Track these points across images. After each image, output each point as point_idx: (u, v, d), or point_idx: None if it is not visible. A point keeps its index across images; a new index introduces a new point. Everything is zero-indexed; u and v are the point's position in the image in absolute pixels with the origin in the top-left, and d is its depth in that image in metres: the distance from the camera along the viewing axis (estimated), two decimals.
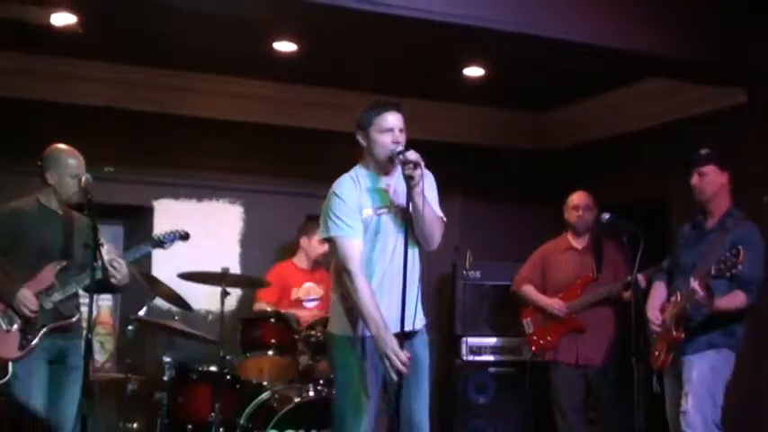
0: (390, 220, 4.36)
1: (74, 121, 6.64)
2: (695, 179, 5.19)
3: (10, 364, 4.67)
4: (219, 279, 5.96)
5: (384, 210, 4.37)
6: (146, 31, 6.16)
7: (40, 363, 4.78)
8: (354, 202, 4.33)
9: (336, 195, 4.35)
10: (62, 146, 4.96)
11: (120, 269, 4.81)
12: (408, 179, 4.18)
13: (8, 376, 4.66)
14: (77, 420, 4.55)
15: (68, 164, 4.89)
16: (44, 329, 4.76)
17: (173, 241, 5.16)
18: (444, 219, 4.47)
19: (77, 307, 5.02)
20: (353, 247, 4.29)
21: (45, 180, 4.90)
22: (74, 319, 4.94)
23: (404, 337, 4.23)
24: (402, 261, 4.24)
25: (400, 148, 4.26)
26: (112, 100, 6.95)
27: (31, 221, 4.86)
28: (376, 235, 4.35)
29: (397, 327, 4.20)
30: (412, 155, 4.20)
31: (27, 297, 4.72)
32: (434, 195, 4.48)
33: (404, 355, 4.14)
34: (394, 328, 4.21)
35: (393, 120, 4.35)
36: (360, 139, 4.42)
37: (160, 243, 5.16)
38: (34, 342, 4.73)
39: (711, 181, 5.17)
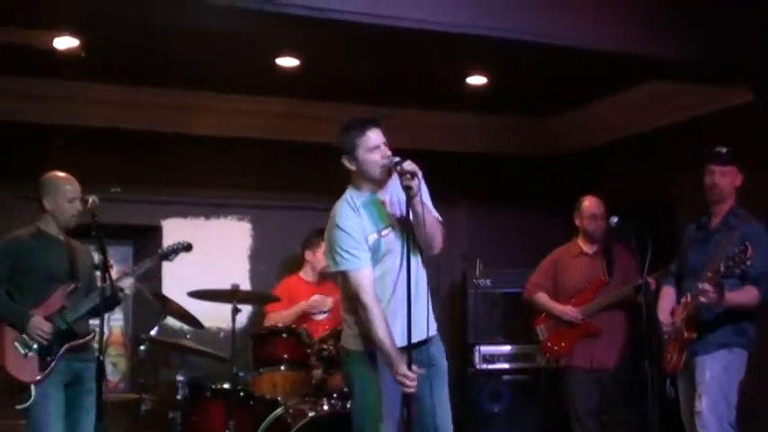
0: (396, 238, 4.34)
1: (79, 142, 6.66)
2: (717, 177, 5.15)
3: (33, 388, 4.71)
4: (230, 296, 5.96)
5: (387, 229, 4.35)
6: (147, 52, 6.19)
7: (57, 387, 4.81)
8: (358, 232, 4.29)
9: (340, 228, 4.31)
10: (58, 173, 5.03)
11: (127, 285, 4.93)
12: (407, 189, 4.15)
13: (31, 400, 4.70)
14: None
15: (64, 189, 4.95)
16: (63, 348, 4.81)
17: (177, 252, 5.22)
18: (440, 219, 4.44)
19: (89, 325, 5.06)
20: (365, 278, 4.27)
21: (42, 206, 4.96)
22: (89, 337, 4.98)
23: (417, 346, 4.24)
24: (414, 274, 4.23)
25: (396, 159, 4.22)
26: (117, 121, 6.97)
27: (33, 249, 4.91)
28: (385, 255, 4.34)
29: (412, 338, 4.19)
30: (409, 165, 4.16)
31: (40, 322, 4.76)
32: (426, 194, 4.41)
33: (411, 373, 4.15)
34: (405, 340, 4.24)
35: (376, 137, 4.30)
36: (347, 163, 4.38)
37: (164, 256, 5.21)
38: (54, 363, 4.77)
39: (731, 182, 5.16)
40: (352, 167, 4.38)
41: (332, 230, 4.34)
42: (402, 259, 4.26)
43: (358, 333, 4.38)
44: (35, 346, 4.76)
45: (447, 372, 4.52)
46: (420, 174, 4.17)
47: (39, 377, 4.73)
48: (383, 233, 4.34)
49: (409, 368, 4.14)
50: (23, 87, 6.68)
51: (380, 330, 4.22)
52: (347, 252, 4.28)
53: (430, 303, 4.43)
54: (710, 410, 4.94)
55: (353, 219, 4.33)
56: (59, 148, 6.50)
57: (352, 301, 4.35)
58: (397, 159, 4.23)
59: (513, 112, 7.86)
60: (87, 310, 4.92)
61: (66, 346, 4.82)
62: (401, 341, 4.22)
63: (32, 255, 4.89)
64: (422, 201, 4.21)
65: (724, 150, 5.18)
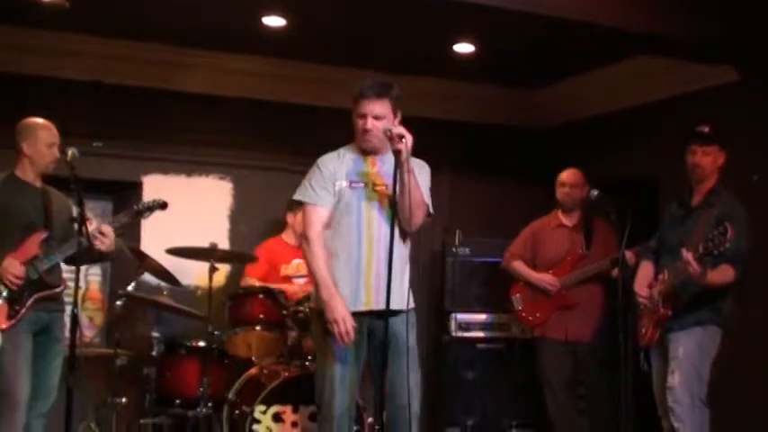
0: (365, 196, 4.41)
1: (61, 95, 6.60)
2: (698, 157, 5.16)
3: (0, 335, 4.68)
4: (208, 254, 5.96)
5: (359, 184, 4.43)
6: (134, 6, 6.11)
7: (26, 335, 4.78)
8: (330, 173, 4.45)
9: (316, 165, 4.51)
10: (36, 118, 4.99)
11: (108, 235, 4.85)
12: (396, 153, 4.23)
13: None
14: (60, 392, 4.60)
15: (43, 134, 4.92)
16: (32, 298, 4.77)
17: (152, 210, 5.19)
18: (432, 211, 4.53)
19: (61, 277, 5.03)
20: (316, 215, 4.43)
21: (21, 151, 4.91)
22: (59, 289, 4.95)
23: (378, 316, 4.31)
24: (382, 242, 4.30)
25: (398, 129, 4.28)
26: (100, 75, 6.90)
27: (8, 195, 4.86)
28: (347, 207, 4.42)
29: (369, 305, 4.34)
30: (398, 129, 4.25)
31: (12, 265, 4.71)
32: (426, 185, 4.53)
33: (351, 323, 4.24)
34: (362, 306, 4.34)
35: (366, 106, 4.40)
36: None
37: (139, 212, 5.18)
38: (23, 311, 4.73)
39: (713, 161, 5.17)
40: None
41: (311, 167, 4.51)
42: (368, 223, 4.38)
43: (314, 291, 4.49)
44: (4, 293, 4.70)
45: (411, 347, 4.47)
46: (409, 138, 4.21)
47: (4, 325, 4.69)
48: (354, 185, 4.43)
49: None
50: (5, 37, 6.60)
51: (319, 265, 4.36)
52: (310, 185, 4.47)
53: (404, 280, 4.48)
54: (683, 386, 4.98)
55: (332, 161, 4.50)
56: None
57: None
58: (395, 129, 4.29)
59: (500, 82, 7.83)
60: (60, 260, 4.89)
61: (35, 296, 4.78)
62: (353, 305, 4.34)
63: (6, 200, 4.84)
64: (411, 170, 4.26)
65: (706, 129, 5.19)
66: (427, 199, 4.50)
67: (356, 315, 4.36)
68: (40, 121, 4.97)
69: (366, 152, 4.50)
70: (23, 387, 4.72)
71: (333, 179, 4.44)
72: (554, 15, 5.49)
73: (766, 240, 5.34)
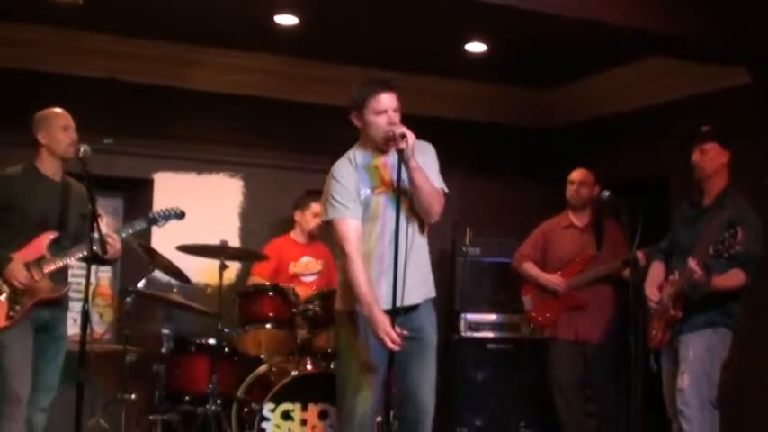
0: (390, 199, 4.34)
1: (74, 92, 6.61)
2: (696, 156, 5.18)
3: None
4: (218, 252, 5.98)
5: (382, 189, 4.37)
6: (147, 4, 6.13)
7: (27, 332, 4.75)
8: (351, 184, 4.35)
9: (334, 178, 4.38)
10: (47, 109, 4.93)
11: (113, 245, 4.79)
12: (399, 152, 4.19)
13: None
14: (69, 388, 4.53)
15: (57, 119, 4.86)
16: (33, 300, 4.72)
17: (167, 219, 5.18)
18: (446, 190, 4.47)
19: (66, 278, 5.00)
20: (349, 228, 4.31)
21: (38, 142, 4.85)
22: (60, 294, 4.89)
23: (403, 312, 4.25)
24: (404, 238, 4.24)
25: (400, 128, 4.23)
26: (113, 72, 6.92)
27: (25, 189, 4.81)
28: (375, 214, 4.36)
29: (397, 302, 4.21)
30: (399, 128, 4.21)
31: (17, 270, 4.65)
32: (435, 167, 4.47)
33: (396, 333, 4.15)
34: (390, 304, 4.24)
35: (387, 100, 4.32)
36: (355, 120, 4.42)
37: (154, 221, 5.16)
38: (22, 313, 4.69)
39: (713, 158, 5.16)
40: (359, 125, 4.42)
41: (328, 181, 4.41)
42: (391, 223, 4.26)
43: (342, 293, 4.43)
44: (7, 292, 4.66)
45: (435, 346, 4.50)
46: (411, 137, 4.19)
47: (4, 324, 4.64)
48: (377, 191, 4.37)
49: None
50: (20, 35, 6.62)
51: (361, 282, 4.25)
52: (336, 201, 4.34)
53: (426, 271, 4.47)
54: (692, 388, 4.97)
55: (349, 170, 4.39)
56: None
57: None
58: (391, 127, 4.26)
59: (512, 82, 7.83)
60: (68, 263, 4.83)
61: (35, 299, 4.72)
62: (386, 304, 4.24)
63: (23, 194, 4.79)
64: (416, 166, 4.22)
65: (705, 129, 5.19)
66: (438, 182, 4.43)
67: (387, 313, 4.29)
68: (51, 109, 4.92)
69: (375, 151, 4.42)
70: (24, 383, 4.69)
71: (356, 188, 4.35)
72: (566, 15, 5.49)
73: None
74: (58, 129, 4.84)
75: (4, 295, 4.67)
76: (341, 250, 4.34)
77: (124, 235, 4.99)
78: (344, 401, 4.43)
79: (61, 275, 4.90)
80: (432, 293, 4.53)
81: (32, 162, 4.90)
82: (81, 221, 4.91)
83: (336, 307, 4.52)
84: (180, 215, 5.20)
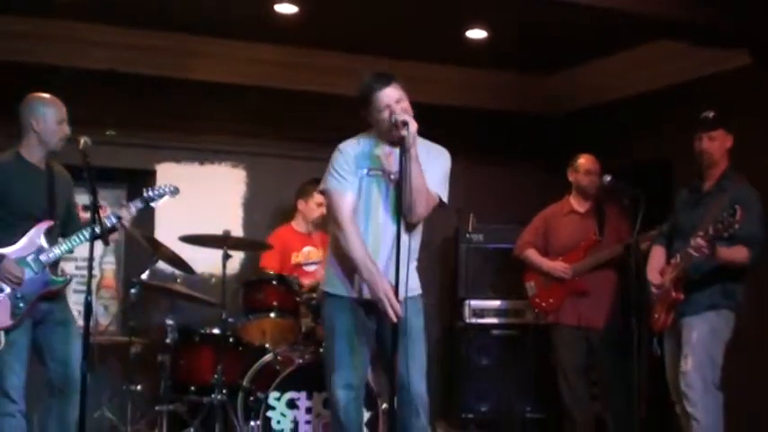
0: (381, 184, 4.41)
1: (76, 84, 6.61)
2: (705, 143, 5.15)
3: (2, 334, 4.57)
4: (221, 242, 5.97)
5: (377, 172, 4.42)
6: None
7: (26, 330, 4.68)
8: (353, 158, 4.42)
9: (338, 150, 4.48)
10: (42, 94, 4.84)
11: (130, 212, 4.89)
12: (400, 140, 4.21)
13: (2, 345, 4.57)
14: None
15: (53, 109, 4.77)
16: (36, 295, 4.66)
17: (162, 197, 5.14)
18: (444, 199, 4.50)
19: (62, 270, 4.99)
20: (345, 200, 4.39)
21: (30, 127, 4.72)
22: (65, 283, 4.86)
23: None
24: (388, 230, 4.32)
25: (402, 116, 4.25)
26: (114, 63, 6.91)
27: (12, 178, 4.69)
28: (363, 195, 4.41)
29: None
30: (402, 115, 4.24)
31: (11, 266, 4.58)
32: (440, 172, 4.48)
33: (395, 299, 4.19)
34: (367, 294, 4.33)
35: (386, 96, 4.35)
36: (363, 115, 4.47)
37: (150, 199, 5.12)
38: (26, 310, 4.63)
39: (720, 145, 5.15)
40: (367, 118, 4.47)
41: (333, 154, 4.48)
42: (382, 212, 4.37)
43: (334, 273, 4.48)
44: (7, 289, 4.58)
45: (421, 334, 4.49)
46: (413, 124, 4.20)
47: (9, 323, 4.58)
48: (371, 173, 4.42)
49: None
50: (22, 27, 6.62)
51: (357, 249, 4.32)
52: (336, 172, 4.42)
53: (412, 268, 4.43)
54: (696, 371, 4.98)
55: (353, 146, 4.47)
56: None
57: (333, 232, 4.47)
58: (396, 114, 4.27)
59: (513, 68, 7.82)
60: (69, 251, 4.79)
61: (39, 293, 4.67)
62: (361, 291, 4.36)
63: (10, 184, 4.67)
64: (415, 158, 4.23)
65: (710, 115, 5.17)
66: (439, 188, 4.45)
67: (363, 302, 4.39)
68: (47, 96, 4.82)
69: (382, 140, 4.45)
70: (14, 382, 4.62)
71: (356, 163, 4.42)
72: (566, 0, 5.47)
73: None
74: (54, 121, 4.74)
75: (4, 294, 4.58)
76: (334, 220, 4.43)
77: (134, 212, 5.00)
78: (329, 383, 4.48)
79: (57, 268, 4.87)
80: (414, 292, 4.49)
81: (18, 150, 4.77)
82: (66, 209, 4.88)
83: (322, 288, 4.60)
84: (174, 191, 5.17)
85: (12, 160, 4.76)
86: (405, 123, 4.19)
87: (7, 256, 4.61)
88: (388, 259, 4.32)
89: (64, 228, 4.86)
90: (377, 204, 4.40)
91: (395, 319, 4.20)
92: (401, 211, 4.25)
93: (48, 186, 4.80)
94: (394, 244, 4.21)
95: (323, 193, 4.56)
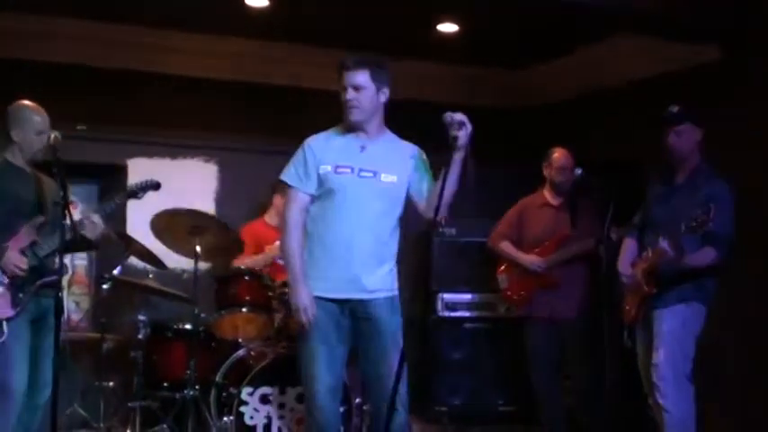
0: (350, 182, 4.36)
1: (44, 78, 6.58)
2: (672, 139, 5.16)
3: (4, 324, 4.61)
4: (192, 234, 5.93)
5: (346, 170, 4.37)
6: None
7: (26, 324, 4.74)
8: (315, 158, 4.38)
9: (302, 148, 4.45)
10: (26, 102, 4.90)
11: (96, 223, 4.82)
12: (453, 140, 4.15)
13: (5, 336, 4.60)
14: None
15: (33, 120, 4.83)
16: (36, 283, 4.71)
17: (145, 190, 5.12)
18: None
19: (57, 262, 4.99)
20: (296, 199, 4.40)
21: (10, 137, 4.83)
22: (62, 273, 4.80)
23: (358, 303, 4.36)
24: (362, 228, 4.32)
25: (459, 116, 4.21)
26: (84, 57, 6.88)
27: (4, 180, 4.79)
28: (332, 193, 4.37)
29: (348, 292, 4.34)
30: (459, 116, 4.17)
31: (15, 257, 4.65)
32: (452, 179, 4.45)
33: (312, 311, 4.26)
34: (344, 293, 4.35)
35: (346, 78, 4.34)
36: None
37: (133, 193, 5.11)
38: (27, 298, 4.68)
39: (688, 139, 5.16)
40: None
41: (301, 146, 4.46)
42: (357, 209, 4.34)
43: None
44: (6, 280, 4.64)
45: (395, 333, 4.47)
46: (469, 126, 4.16)
47: (11, 313, 4.63)
48: (340, 170, 4.36)
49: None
50: None
51: (292, 252, 4.34)
52: (294, 168, 4.42)
53: (387, 268, 4.47)
54: (667, 363, 5.01)
55: (319, 143, 4.44)
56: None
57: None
58: (457, 115, 4.21)
59: (484, 62, 7.83)
60: (57, 246, 4.74)
61: (39, 282, 4.72)
62: (334, 291, 4.34)
63: (8, 183, 4.77)
64: (462, 161, 4.25)
65: (675, 110, 5.18)
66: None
67: (339, 300, 4.39)
68: (30, 105, 4.88)
69: (354, 130, 4.43)
70: (18, 377, 4.66)
71: (317, 164, 4.37)
72: None
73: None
74: (33, 132, 4.82)
75: (5, 285, 4.63)
76: (281, 216, 4.48)
77: (107, 211, 4.98)
78: (306, 380, 4.48)
79: (53, 260, 4.84)
80: (393, 292, 4.52)
81: (4, 155, 4.87)
82: (55, 209, 4.87)
83: None
84: (156, 185, 5.15)
85: (2, 161, 4.85)
86: (462, 124, 4.13)
87: (10, 246, 4.67)
88: (368, 257, 4.34)
89: (54, 227, 4.81)
90: (353, 202, 4.35)
91: (306, 327, 4.27)
92: (419, 211, 4.44)
93: (36, 186, 4.89)
94: (375, 243, 4.26)
95: (281, 181, 4.53)
